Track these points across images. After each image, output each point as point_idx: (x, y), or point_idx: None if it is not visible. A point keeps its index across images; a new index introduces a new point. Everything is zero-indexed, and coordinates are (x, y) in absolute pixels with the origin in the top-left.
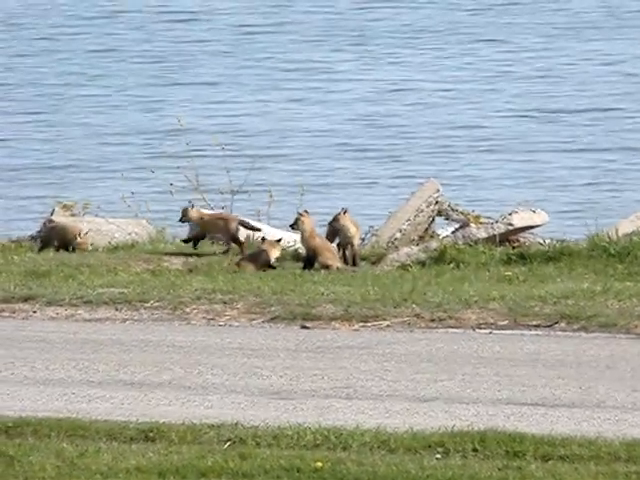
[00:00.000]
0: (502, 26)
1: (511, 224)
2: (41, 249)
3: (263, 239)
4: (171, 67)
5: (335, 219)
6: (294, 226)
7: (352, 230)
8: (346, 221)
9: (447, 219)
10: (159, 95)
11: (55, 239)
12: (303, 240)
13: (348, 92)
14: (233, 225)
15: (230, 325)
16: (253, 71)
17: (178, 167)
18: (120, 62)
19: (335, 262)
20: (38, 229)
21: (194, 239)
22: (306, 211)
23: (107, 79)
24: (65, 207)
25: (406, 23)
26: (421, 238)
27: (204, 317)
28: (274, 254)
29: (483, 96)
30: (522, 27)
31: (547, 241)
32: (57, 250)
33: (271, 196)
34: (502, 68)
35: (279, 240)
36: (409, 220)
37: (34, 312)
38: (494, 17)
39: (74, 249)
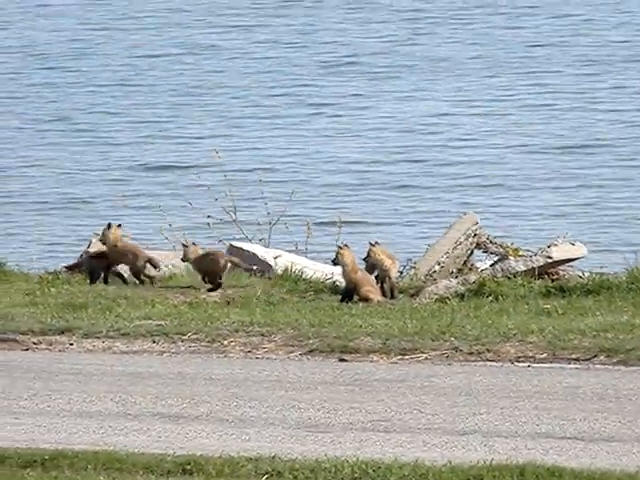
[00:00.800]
0: (534, 60)
1: (550, 257)
2: (92, 281)
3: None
4: (199, 100)
5: (369, 254)
6: (335, 261)
7: (387, 263)
8: (380, 254)
9: (486, 252)
10: (186, 128)
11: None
12: (344, 274)
13: (380, 125)
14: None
15: (268, 358)
16: (283, 104)
17: (216, 199)
18: (148, 95)
19: (376, 295)
20: (75, 261)
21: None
22: (346, 245)
23: (136, 111)
24: None
25: (437, 56)
26: (460, 271)
27: (242, 350)
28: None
29: (516, 129)
30: (553, 60)
31: (586, 274)
32: (106, 281)
33: (309, 229)
34: (534, 101)
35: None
36: (447, 253)
37: (71, 344)
38: (526, 50)
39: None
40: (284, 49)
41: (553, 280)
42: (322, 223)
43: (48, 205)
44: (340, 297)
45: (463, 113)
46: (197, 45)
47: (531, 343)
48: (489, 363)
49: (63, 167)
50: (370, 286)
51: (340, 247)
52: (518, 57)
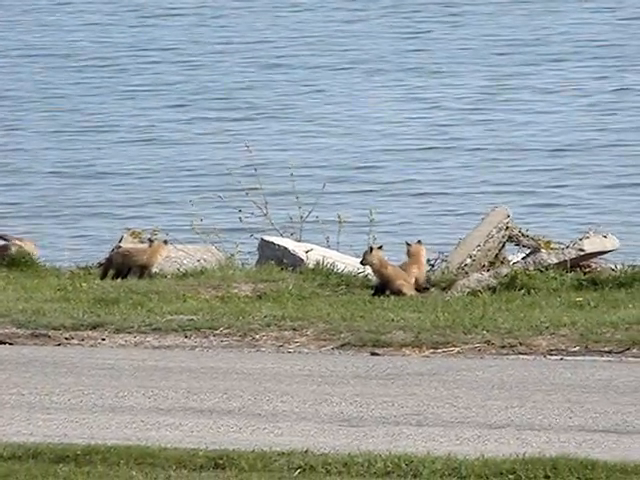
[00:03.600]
0: (542, 55)
1: (582, 249)
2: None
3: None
4: (234, 101)
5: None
6: (362, 262)
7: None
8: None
9: (517, 245)
10: (210, 125)
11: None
12: (374, 271)
13: (409, 121)
14: None
15: (300, 352)
16: (311, 103)
17: (247, 193)
18: (187, 96)
19: (409, 290)
20: (107, 256)
21: None
22: (371, 247)
23: (179, 111)
24: (134, 234)
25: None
26: (491, 264)
27: (273, 344)
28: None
29: (554, 121)
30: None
31: (618, 266)
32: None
33: (340, 222)
34: (566, 91)
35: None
36: (479, 246)
37: (103, 339)
38: (547, 46)
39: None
40: (298, 48)
41: (585, 273)
42: (352, 220)
43: (82, 203)
44: (372, 291)
45: (493, 108)
46: (210, 43)
47: (563, 336)
48: (521, 356)
49: (94, 167)
50: (403, 280)
51: (371, 247)
52: (528, 53)
